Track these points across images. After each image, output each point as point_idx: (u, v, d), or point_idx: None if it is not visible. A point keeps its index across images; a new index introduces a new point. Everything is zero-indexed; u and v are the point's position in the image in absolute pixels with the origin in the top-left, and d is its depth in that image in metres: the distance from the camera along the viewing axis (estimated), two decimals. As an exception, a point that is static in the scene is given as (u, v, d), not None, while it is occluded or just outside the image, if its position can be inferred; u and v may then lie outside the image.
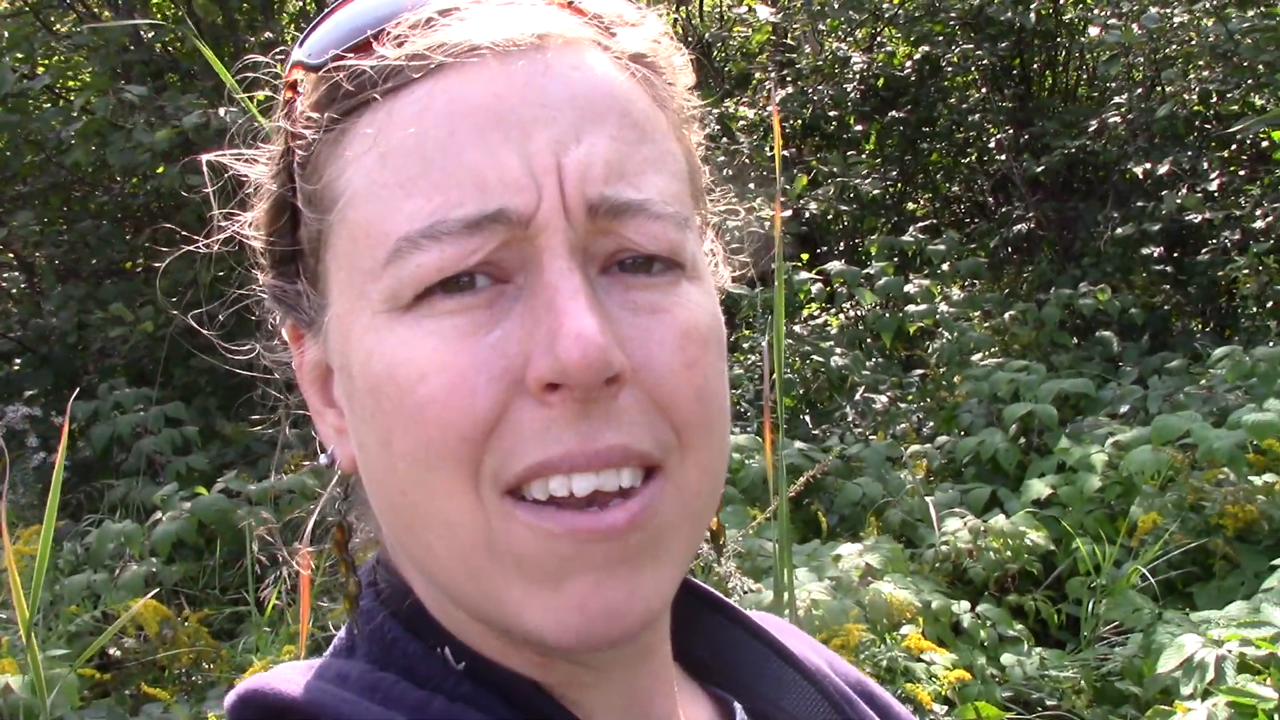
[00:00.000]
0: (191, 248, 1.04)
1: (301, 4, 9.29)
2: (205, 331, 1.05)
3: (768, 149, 9.42)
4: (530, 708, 0.83)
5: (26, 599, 1.71)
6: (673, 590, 0.82)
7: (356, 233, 0.80)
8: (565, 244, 0.76)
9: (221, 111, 6.60)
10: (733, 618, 1.06)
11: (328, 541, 1.03)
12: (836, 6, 10.03)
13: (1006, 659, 3.99)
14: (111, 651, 4.02)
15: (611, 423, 0.75)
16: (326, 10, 0.87)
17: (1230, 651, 3.13)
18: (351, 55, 0.81)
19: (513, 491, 0.76)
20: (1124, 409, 6.05)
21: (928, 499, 4.94)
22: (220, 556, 4.80)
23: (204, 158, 0.95)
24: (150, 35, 8.39)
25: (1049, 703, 3.84)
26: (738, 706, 1.02)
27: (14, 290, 8.84)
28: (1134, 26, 8.19)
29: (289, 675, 0.84)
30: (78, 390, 6.14)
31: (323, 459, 0.94)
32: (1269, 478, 4.47)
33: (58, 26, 8.76)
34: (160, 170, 7.51)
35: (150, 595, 4.14)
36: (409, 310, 0.77)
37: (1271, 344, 5.95)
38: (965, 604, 4.15)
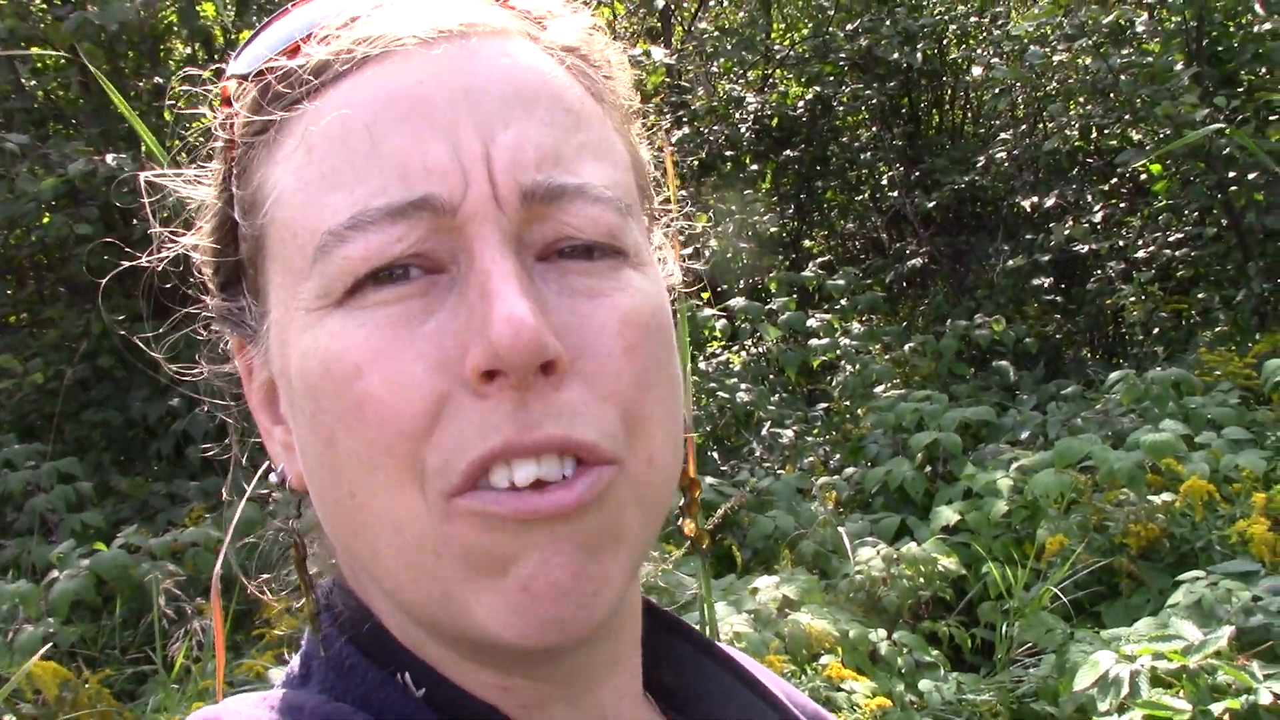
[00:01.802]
0: (134, 263, 1.00)
1: (190, 50, 9.14)
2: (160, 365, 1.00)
3: (664, 189, 9.48)
4: None
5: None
6: (625, 580, 0.78)
7: (285, 232, 0.78)
8: (497, 231, 0.74)
9: (109, 158, 6.45)
10: (699, 645, 1.03)
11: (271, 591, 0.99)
12: (729, 48, 10.19)
13: (924, 685, 4.02)
14: (6, 718, 3.85)
15: (551, 414, 0.72)
16: (259, 27, 0.85)
17: (1143, 666, 3.19)
18: (282, 59, 0.80)
19: (457, 493, 0.73)
20: (1024, 435, 6.19)
21: (840, 529, 4.98)
22: (120, 614, 4.64)
23: (143, 176, 0.92)
24: (32, 84, 8.19)
25: (967, 727, 3.88)
26: None
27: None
28: (1012, 65, 8.47)
29: (240, 707, 0.80)
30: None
31: (273, 478, 0.90)
32: (1167, 496, 4.59)
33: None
34: (46, 220, 7.31)
35: (46, 657, 3.99)
36: (341, 305, 0.75)
37: (1161, 368, 6.14)
38: (882, 632, 4.18)
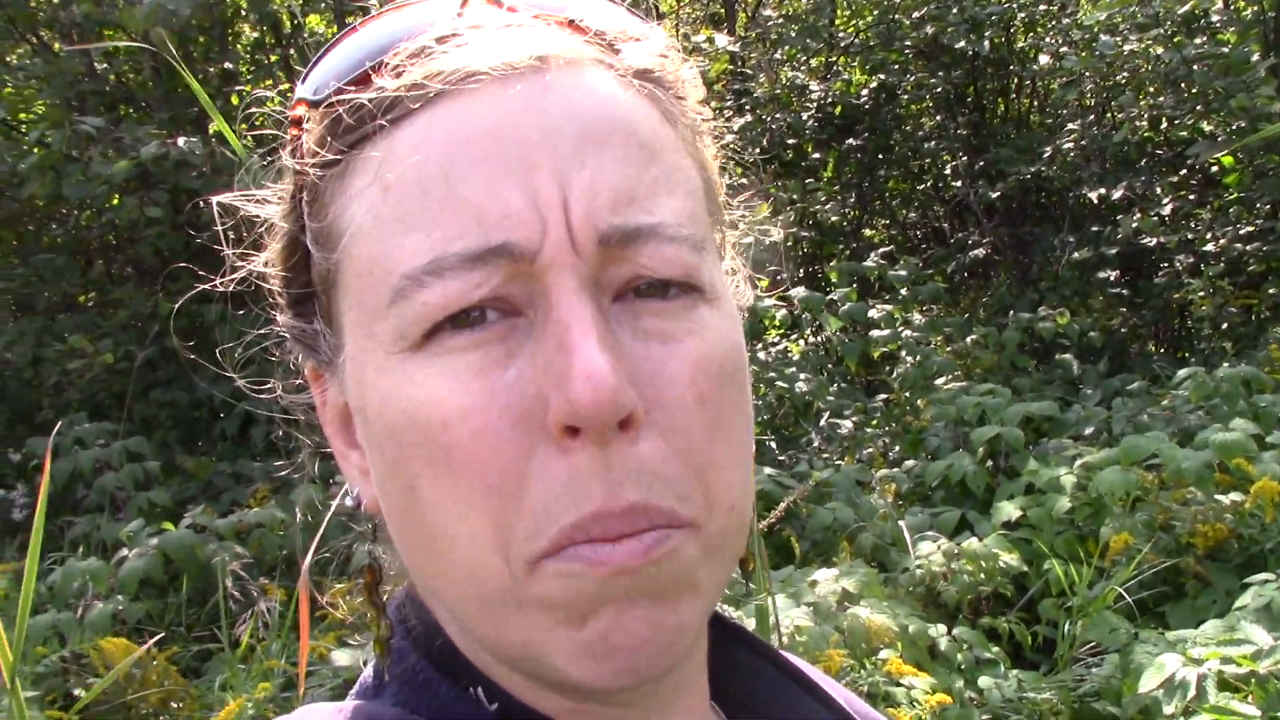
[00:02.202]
0: (205, 287, 1.01)
1: (258, 35, 9.25)
2: (228, 358, 1.02)
3: (726, 178, 9.45)
4: None
5: (9, 640, 1.66)
6: (699, 625, 0.79)
7: (361, 269, 0.78)
8: (575, 277, 0.74)
9: (180, 142, 6.54)
10: (765, 655, 1.03)
11: (332, 574, 1.00)
12: (794, 35, 10.12)
13: (983, 682, 3.99)
14: (77, 692, 3.93)
15: (632, 473, 0.72)
16: (328, 45, 0.85)
17: (1210, 670, 3.15)
18: (351, 89, 0.80)
19: (542, 558, 0.73)
20: (1088, 430, 6.10)
21: (900, 522, 4.95)
22: (185, 593, 4.72)
23: (215, 199, 0.92)
24: (104, 67, 8.32)
25: (1027, 725, 3.85)
26: None
27: (-35, 325, 8.69)
28: (1084, 54, 8.33)
29: (318, 717, 0.82)
30: (37, 426, 6.03)
31: (348, 500, 0.91)
32: (1235, 496, 4.52)
33: (9, 59, 8.67)
34: (116, 202, 7.43)
35: (114, 634, 4.08)
36: (420, 349, 0.75)
37: (1228, 364, 6.03)
38: (941, 627, 4.15)
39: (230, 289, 0.97)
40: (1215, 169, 9.13)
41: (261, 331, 0.99)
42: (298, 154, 0.85)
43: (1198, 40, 7.59)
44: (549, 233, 0.73)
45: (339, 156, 0.80)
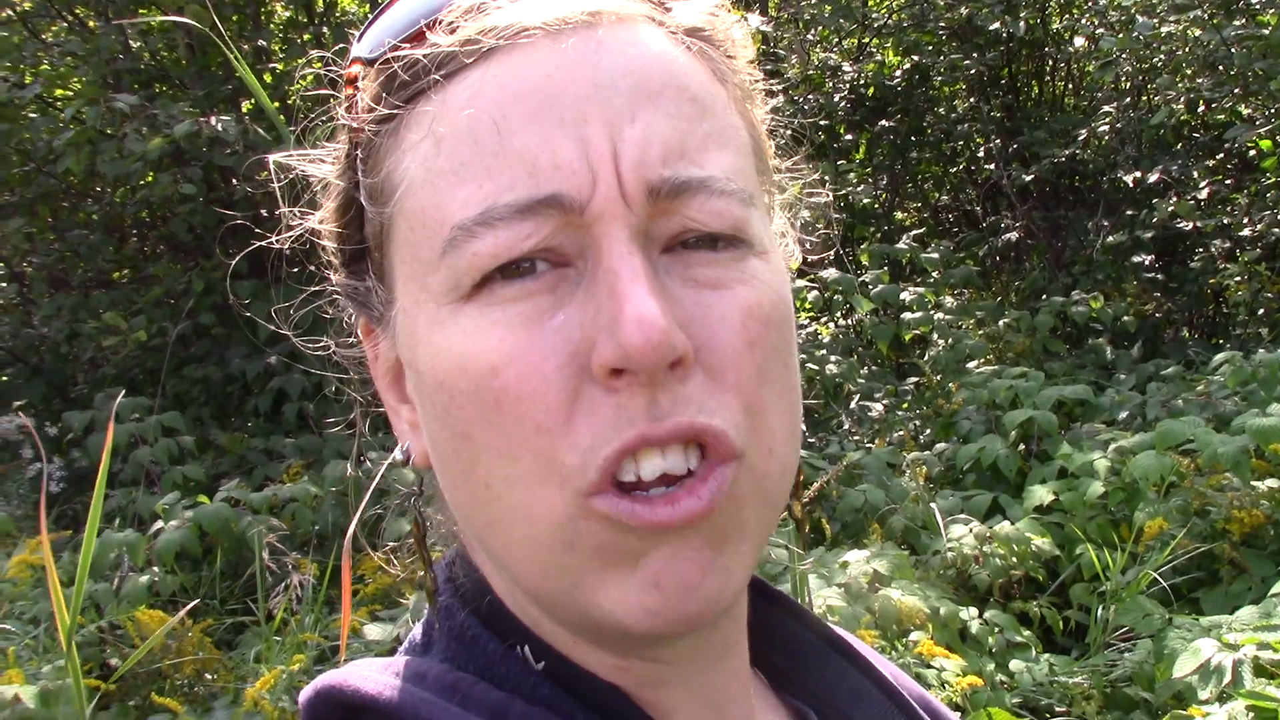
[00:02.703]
0: (262, 244, 1.02)
1: (290, 13, 9.25)
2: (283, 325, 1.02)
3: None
4: (608, 712, 0.82)
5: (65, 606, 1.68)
6: (747, 573, 0.80)
7: (414, 222, 0.79)
8: (625, 229, 0.75)
9: (214, 120, 6.56)
10: (810, 626, 1.04)
11: (365, 548, 1.01)
12: (827, 15, 10.05)
13: (1014, 665, 3.98)
14: (113, 662, 3.98)
15: (680, 404, 0.73)
16: (383, 5, 0.86)
17: (1247, 655, 3.13)
18: (406, 45, 0.81)
19: (595, 491, 0.74)
20: (1122, 415, 6.06)
21: (932, 505, 4.93)
22: (219, 566, 4.77)
23: (271, 158, 0.93)
24: (139, 45, 8.35)
25: (1058, 709, 3.83)
26: (814, 717, 1.00)
27: (3, 301, 8.77)
28: (1122, 36, 8.24)
29: (366, 672, 0.83)
30: (72, 400, 6.08)
31: (398, 454, 0.92)
32: (1272, 483, 4.48)
33: (45, 35, 8.71)
34: (150, 179, 7.47)
35: (149, 605, 4.11)
36: (470, 300, 0.76)
37: (1265, 350, 5.97)
38: (973, 610, 4.14)
39: (278, 256, 0.98)
40: (1253, 153, 9.01)
41: (311, 293, 1.00)
42: (353, 112, 0.86)
43: (1237, 22, 7.49)
44: (599, 184, 0.74)
45: (394, 111, 0.81)
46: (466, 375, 0.75)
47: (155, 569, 4.33)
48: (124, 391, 6.31)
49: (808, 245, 1.03)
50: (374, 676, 0.82)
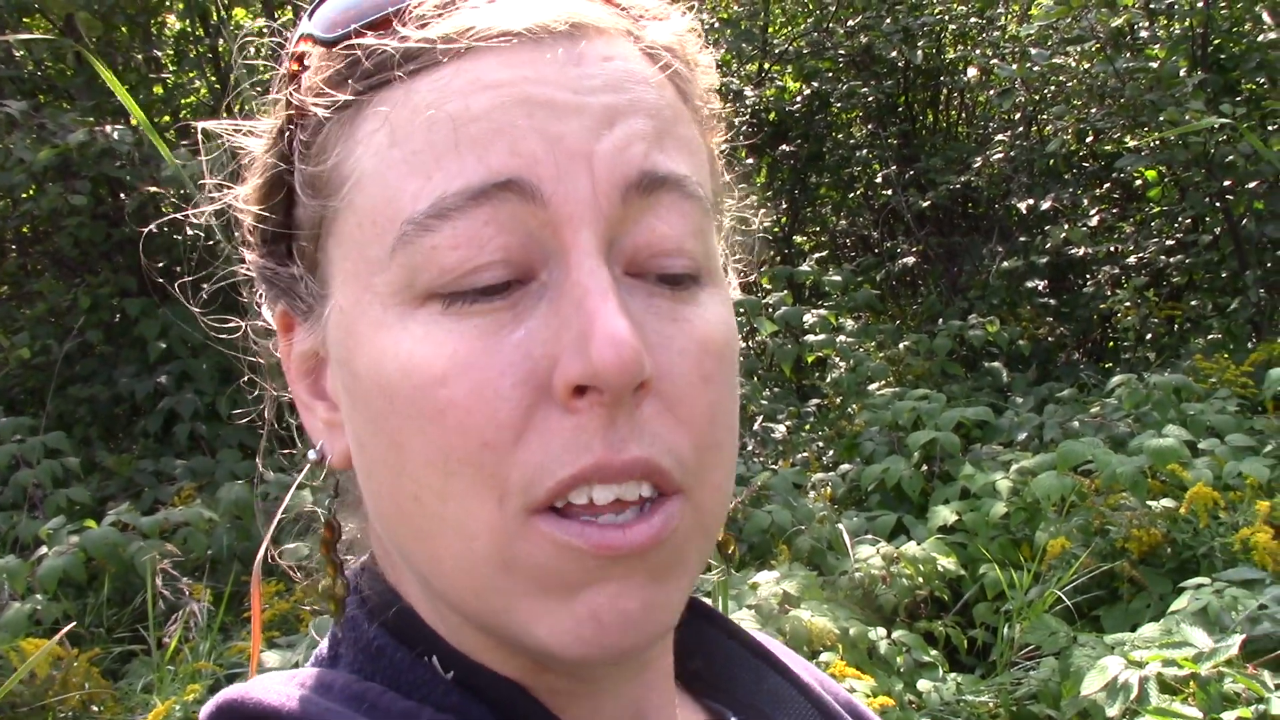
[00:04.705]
0: (177, 215, 0.96)
1: (183, 24, 9.04)
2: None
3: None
4: (518, 717, 0.79)
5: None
6: (683, 604, 0.78)
7: (363, 219, 0.75)
8: (594, 238, 0.72)
9: (109, 129, 6.35)
10: (728, 631, 1.03)
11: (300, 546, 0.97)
12: (729, 39, 10.14)
13: (923, 685, 3.99)
14: (-8, 696, 3.78)
15: (636, 432, 0.71)
16: None
17: (1152, 672, 3.17)
18: (370, 33, 0.76)
19: (539, 509, 0.71)
20: (1021, 436, 6.17)
21: (839, 525, 4.95)
22: (107, 593, 4.58)
23: (200, 124, 0.88)
24: (22, 53, 8.07)
25: (965, 728, 3.86)
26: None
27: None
28: (1017, 66, 8.45)
29: (270, 684, 0.79)
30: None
31: (311, 454, 0.87)
32: (1168, 502, 4.58)
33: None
34: (33, 192, 7.21)
35: (30, 634, 3.93)
36: (424, 304, 0.72)
37: (1153, 374, 6.13)
38: (881, 630, 4.15)
39: (166, 272, 0.92)
40: (1139, 183, 9.31)
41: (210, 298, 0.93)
42: (296, 91, 0.81)
43: (1125, 55, 7.72)
44: (566, 181, 0.71)
45: (351, 99, 0.77)
46: (410, 381, 0.71)
47: (38, 596, 4.13)
48: (4, 412, 6.06)
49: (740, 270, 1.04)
50: (278, 688, 0.78)
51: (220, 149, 0.88)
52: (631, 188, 0.73)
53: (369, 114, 0.75)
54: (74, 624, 3.80)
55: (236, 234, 0.89)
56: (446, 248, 0.70)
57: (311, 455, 0.87)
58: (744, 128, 10.31)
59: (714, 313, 0.78)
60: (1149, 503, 4.64)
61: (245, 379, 0.97)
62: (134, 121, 7.84)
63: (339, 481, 0.88)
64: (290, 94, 0.81)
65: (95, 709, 3.77)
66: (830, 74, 10.66)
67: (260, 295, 0.89)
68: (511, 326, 0.71)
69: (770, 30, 11.28)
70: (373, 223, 0.74)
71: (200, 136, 0.88)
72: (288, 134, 0.81)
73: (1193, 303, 8.54)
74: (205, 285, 0.95)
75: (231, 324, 0.94)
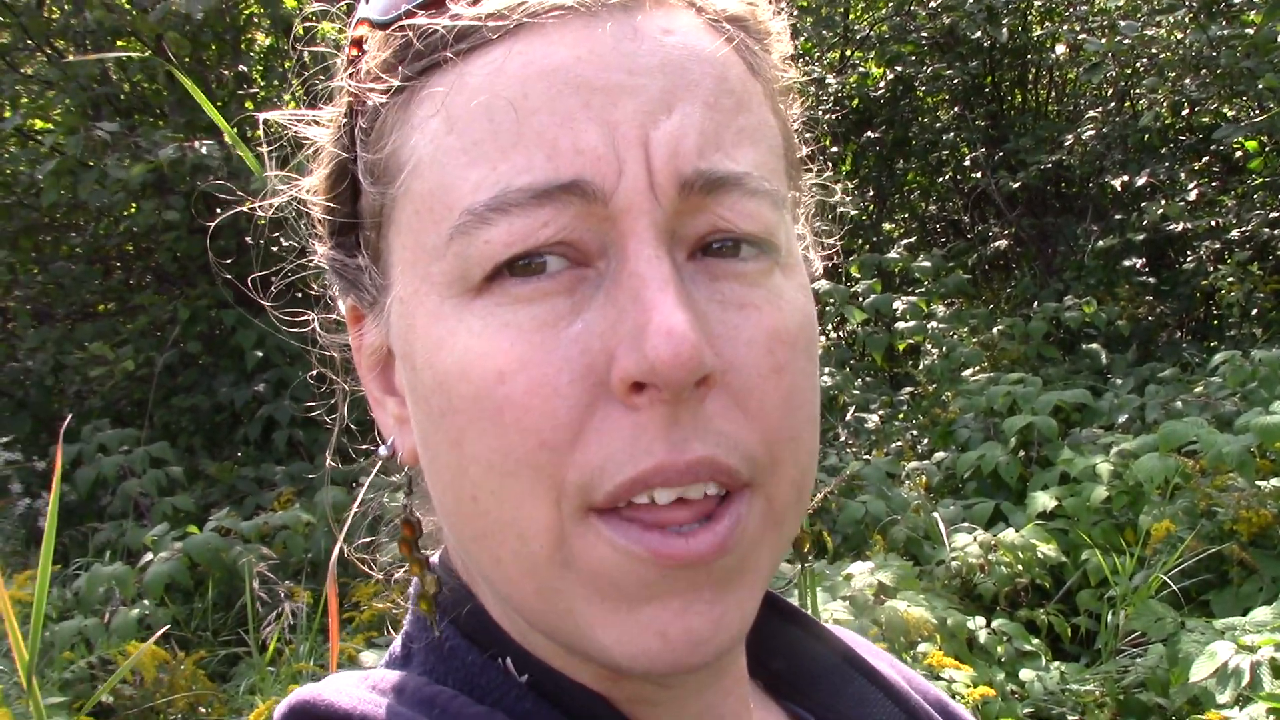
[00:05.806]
0: (241, 208, 0.96)
1: (271, 39, 9.22)
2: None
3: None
4: None
5: (24, 642, 1.61)
6: (756, 607, 0.75)
7: (420, 206, 0.73)
8: (652, 227, 0.69)
9: (198, 145, 6.51)
10: (811, 631, 1.00)
11: (378, 544, 0.97)
12: (809, 27, 10.05)
13: (1025, 674, 3.92)
14: (106, 699, 3.89)
15: (699, 430, 0.68)
16: None
17: (1265, 657, 3.07)
18: (422, 12, 0.74)
19: (599, 510, 0.69)
20: (1121, 418, 6.02)
21: (935, 514, 4.88)
22: (211, 597, 4.69)
23: (262, 116, 0.87)
24: (118, 75, 8.30)
25: (1070, 717, 3.77)
26: None
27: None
28: (1106, 40, 8.24)
29: (342, 686, 0.78)
30: (59, 433, 5.99)
31: (382, 450, 0.86)
32: (1277, 482, 4.43)
33: (25, 69, 8.65)
34: (133, 209, 7.41)
35: (141, 639, 4.03)
36: (479, 295, 0.70)
37: (1261, 349, 5.94)
38: (980, 619, 4.08)
39: (264, 284, 0.92)
40: (1239, 154, 9.02)
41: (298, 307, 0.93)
42: (354, 78, 0.80)
43: (1219, 22, 7.49)
44: (626, 174, 0.69)
45: (404, 83, 0.75)
46: (469, 379, 0.70)
47: (145, 602, 4.25)
48: (111, 424, 6.25)
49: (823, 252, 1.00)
50: (350, 690, 0.77)
51: (285, 141, 0.87)
52: (687, 185, 0.70)
53: (423, 97, 0.74)
54: (168, 627, 3.89)
55: (308, 228, 0.88)
56: (501, 244, 0.69)
57: (383, 451, 0.86)
58: (828, 116, 10.23)
59: (786, 298, 0.74)
60: (1258, 483, 4.50)
61: (317, 378, 0.97)
62: (226, 138, 8.01)
63: (411, 476, 0.87)
64: (349, 80, 0.80)
65: (202, 710, 3.87)
66: (914, 57, 10.50)
67: (332, 289, 0.89)
68: (569, 318, 0.69)
69: (851, 16, 11.16)
70: (430, 210, 0.72)
71: (261, 130, 0.87)
72: (349, 121, 0.80)
73: (1300, 275, 8.25)
74: (293, 290, 0.94)
75: (305, 323, 0.93)
